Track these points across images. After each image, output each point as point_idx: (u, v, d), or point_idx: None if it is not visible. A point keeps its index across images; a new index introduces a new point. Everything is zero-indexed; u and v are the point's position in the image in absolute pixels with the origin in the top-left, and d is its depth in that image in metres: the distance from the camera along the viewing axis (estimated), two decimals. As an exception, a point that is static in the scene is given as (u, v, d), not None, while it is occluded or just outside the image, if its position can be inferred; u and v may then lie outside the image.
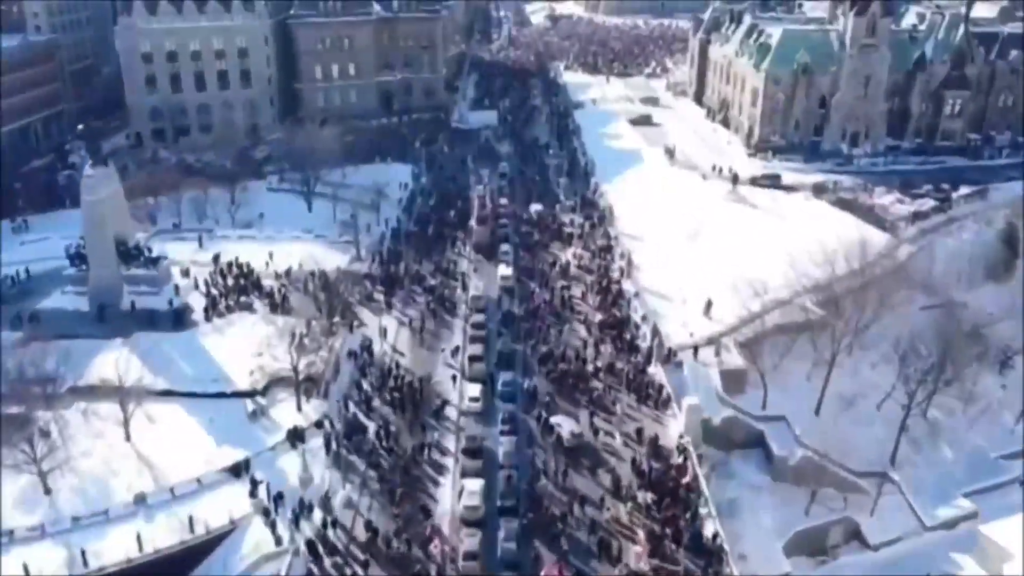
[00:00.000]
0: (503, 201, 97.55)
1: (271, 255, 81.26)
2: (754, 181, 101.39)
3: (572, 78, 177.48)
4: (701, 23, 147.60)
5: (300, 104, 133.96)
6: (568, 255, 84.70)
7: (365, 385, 62.66)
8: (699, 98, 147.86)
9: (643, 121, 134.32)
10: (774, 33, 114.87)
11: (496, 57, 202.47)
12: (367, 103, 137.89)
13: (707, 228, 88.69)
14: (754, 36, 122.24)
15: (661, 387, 61.11)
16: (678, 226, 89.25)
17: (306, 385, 59.75)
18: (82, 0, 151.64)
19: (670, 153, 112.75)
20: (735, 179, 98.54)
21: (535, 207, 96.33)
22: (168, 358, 63.55)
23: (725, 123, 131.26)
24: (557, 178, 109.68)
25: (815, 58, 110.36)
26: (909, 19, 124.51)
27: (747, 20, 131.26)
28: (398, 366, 65.32)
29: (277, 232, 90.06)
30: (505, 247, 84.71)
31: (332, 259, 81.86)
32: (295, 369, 58.15)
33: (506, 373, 62.27)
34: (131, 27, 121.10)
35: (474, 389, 60.24)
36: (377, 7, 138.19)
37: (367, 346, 66.94)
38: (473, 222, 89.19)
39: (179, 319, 70.19)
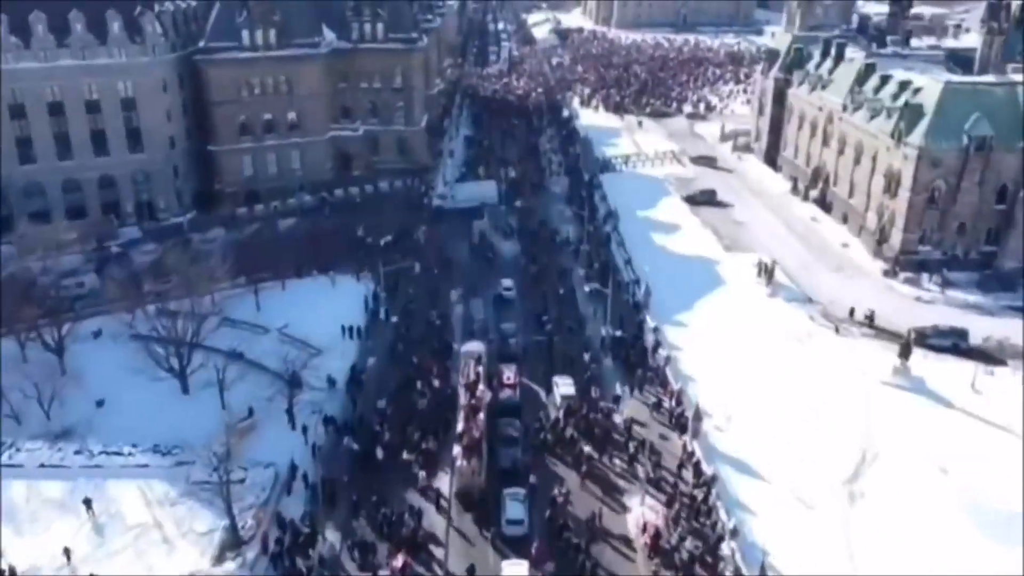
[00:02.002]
0: (508, 375, 57.61)
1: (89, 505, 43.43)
2: (923, 339, 61.60)
3: (592, 119, 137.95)
4: (774, 58, 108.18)
5: (218, 174, 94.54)
6: (634, 516, 45.52)
7: None
8: (772, 158, 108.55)
9: (705, 200, 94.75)
10: (929, 89, 74.98)
11: (495, 88, 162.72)
12: (315, 168, 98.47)
13: (880, 458, 49.34)
14: (880, 86, 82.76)
15: None
16: (821, 452, 49.86)
17: None
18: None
19: (767, 273, 73.00)
20: (906, 348, 58.03)
21: (563, 387, 56.91)
22: None
23: (823, 205, 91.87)
24: (591, 308, 70.18)
25: (997, 129, 70.84)
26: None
27: (855, 58, 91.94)
28: None
29: (112, 446, 51.28)
30: (514, 507, 45.35)
31: (178, 553, 42.90)
32: None
33: None
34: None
35: None
36: (330, 35, 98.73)
37: None
38: (457, 450, 49.41)
39: None
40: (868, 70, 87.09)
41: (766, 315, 67.42)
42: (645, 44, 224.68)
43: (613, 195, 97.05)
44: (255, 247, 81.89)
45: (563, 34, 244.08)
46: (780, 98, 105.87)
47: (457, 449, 49.24)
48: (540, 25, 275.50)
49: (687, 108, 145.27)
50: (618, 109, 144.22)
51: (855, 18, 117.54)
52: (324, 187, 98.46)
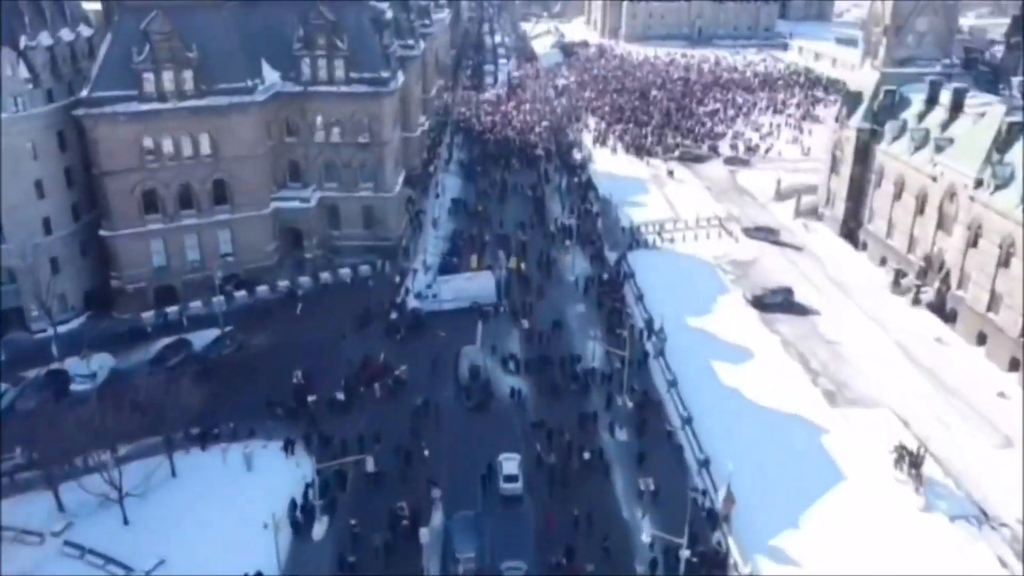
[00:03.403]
0: None
1: None
2: None
3: (609, 163, 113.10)
4: (853, 102, 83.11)
5: (115, 267, 69.46)
6: None
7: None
8: (851, 230, 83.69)
9: (780, 303, 69.49)
10: None
11: (492, 118, 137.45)
12: (252, 252, 73.54)
13: None
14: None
15: None
16: None
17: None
18: None
19: (910, 464, 47.41)
20: None
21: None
22: None
23: (942, 312, 66.91)
24: (636, 509, 45.34)
25: None
26: None
27: (989, 111, 67.03)
28: None
29: None
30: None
31: None
32: None
33: None
34: None
35: None
36: (272, 75, 73.78)
37: None
38: None
39: None
40: (1014, 131, 62.26)
41: (922, 547, 42.38)
42: (659, 61, 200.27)
43: (650, 288, 72.17)
44: (151, 389, 56.76)
45: (567, 50, 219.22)
46: (864, 154, 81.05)
47: None
48: (541, 38, 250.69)
49: (722, 147, 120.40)
50: (639, 150, 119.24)
51: (959, 49, 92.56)
52: (265, 276, 73.85)
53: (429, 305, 69.65)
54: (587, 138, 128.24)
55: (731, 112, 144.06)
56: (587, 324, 67.50)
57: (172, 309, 69.68)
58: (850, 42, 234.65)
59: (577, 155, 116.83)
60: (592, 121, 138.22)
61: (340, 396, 53.81)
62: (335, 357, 60.23)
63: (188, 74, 67.46)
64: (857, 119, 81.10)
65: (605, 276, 76.21)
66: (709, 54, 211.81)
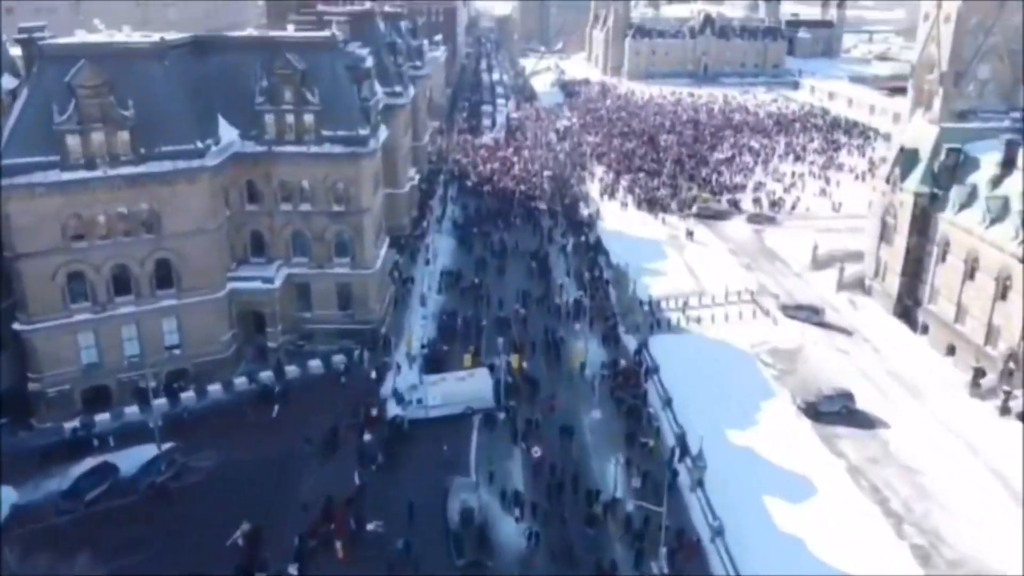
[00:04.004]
0: None
1: None
2: None
3: (619, 220, 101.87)
4: (908, 161, 71.66)
5: (33, 367, 57.31)
6: None
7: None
8: (907, 308, 71.90)
9: (838, 412, 57.27)
10: None
11: (491, 166, 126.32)
12: (204, 342, 61.51)
13: None
14: None
15: None
16: None
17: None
18: None
19: None
20: None
21: None
22: None
23: (1038, 424, 55.00)
24: None
25: None
26: None
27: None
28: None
29: None
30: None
31: None
32: None
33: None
34: None
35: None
36: (229, 133, 62.32)
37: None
38: None
39: None
40: None
41: None
42: (666, 101, 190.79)
43: (679, 386, 60.15)
44: (61, 536, 44.64)
45: (569, 89, 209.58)
46: (923, 223, 69.59)
47: None
48: (541, 75, 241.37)
49: (742, 199, 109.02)
50: (652, 204, 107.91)
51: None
52: (219, 371, 61.87)
53: (414, 412, 57.48)
54: (593, 189, 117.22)
55: (747, 158, 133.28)
56: (606, 437, 55.34)
57: (103, 416, 57.64)
58: (861, 79, 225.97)
59: (584, 210, 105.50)
60: (599, 169, 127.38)
61: (292, 572, 41.12)
62: (292, 494, 48.03)
63: (123, 135, 55.88)
64: (914, 181, 69.72)
65: (622, 363, 64.41)
66: (717, 93, 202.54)
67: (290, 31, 66.98)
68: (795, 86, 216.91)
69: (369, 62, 66.04)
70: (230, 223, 63.54)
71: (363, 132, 64.46)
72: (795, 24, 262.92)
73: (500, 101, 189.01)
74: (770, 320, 72.43)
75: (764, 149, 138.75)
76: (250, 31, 68.03)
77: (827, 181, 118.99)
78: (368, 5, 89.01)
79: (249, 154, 63.11)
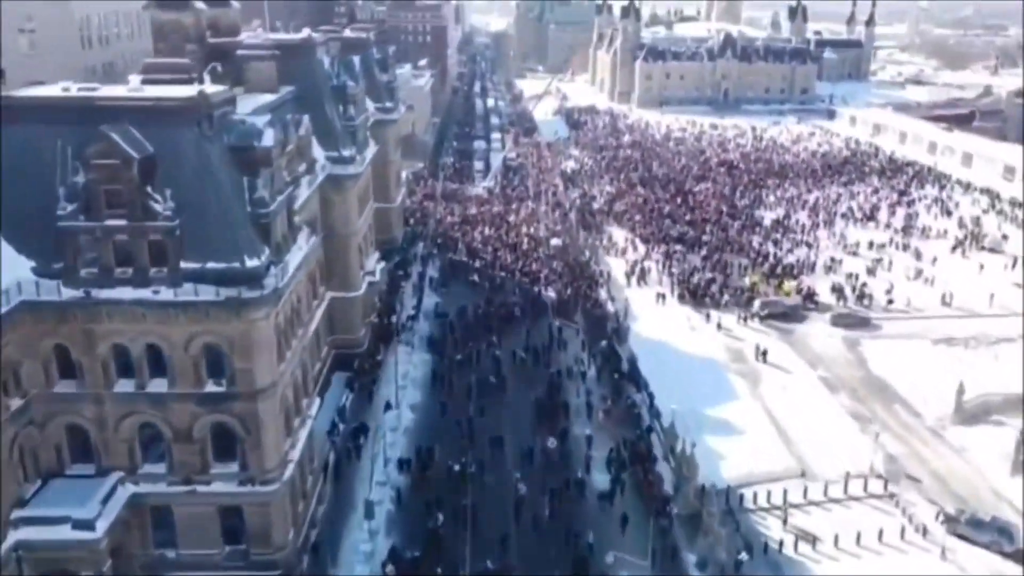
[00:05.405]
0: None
1: None
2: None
3: (655, 326, 74.04)
4: None
5: None
6: None
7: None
8: None
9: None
10: None
11: (483, 230, 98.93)
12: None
13: None
14: None
15: None
16: None
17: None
18: None
19: None
20: None
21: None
22: None
23: None
24: None
25: None
26: None
27: None
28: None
29: None
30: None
31: None
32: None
33: None
34: None
35: None
36: (16, 271, 34.98)
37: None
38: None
39: None
40: None
41: None
42: (686, 135, 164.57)
43: None
44: None
45: (574, 120, 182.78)
46: None
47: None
48: (542, 102, 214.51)
49: (814, 284, 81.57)
50: (696, 295, 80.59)
51: None
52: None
53: None
54: (615, 265, 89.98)
55: (801, 216, 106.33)
56: None
57: None
58: (904, 107, 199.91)
59: (608, 304, 78.17)
60: (619, 233, 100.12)
61: None
62: None
63: None
64: None
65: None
66: (743, 124, 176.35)
67: (134, 83, 39.12)
68: (830, 115, 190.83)
69: (270, 138, 38.70)
70: (21, 417, 36.27)
71: (254, 262, 37.02)
72: (820, 44, 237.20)
73: (495, 136, 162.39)
74: (928, 543, 44.95)
75: (822, 205, 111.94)
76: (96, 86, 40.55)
77: (918, 255, 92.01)
78: (305, 32, 61.96)
79: (52, 304, 35.83)
